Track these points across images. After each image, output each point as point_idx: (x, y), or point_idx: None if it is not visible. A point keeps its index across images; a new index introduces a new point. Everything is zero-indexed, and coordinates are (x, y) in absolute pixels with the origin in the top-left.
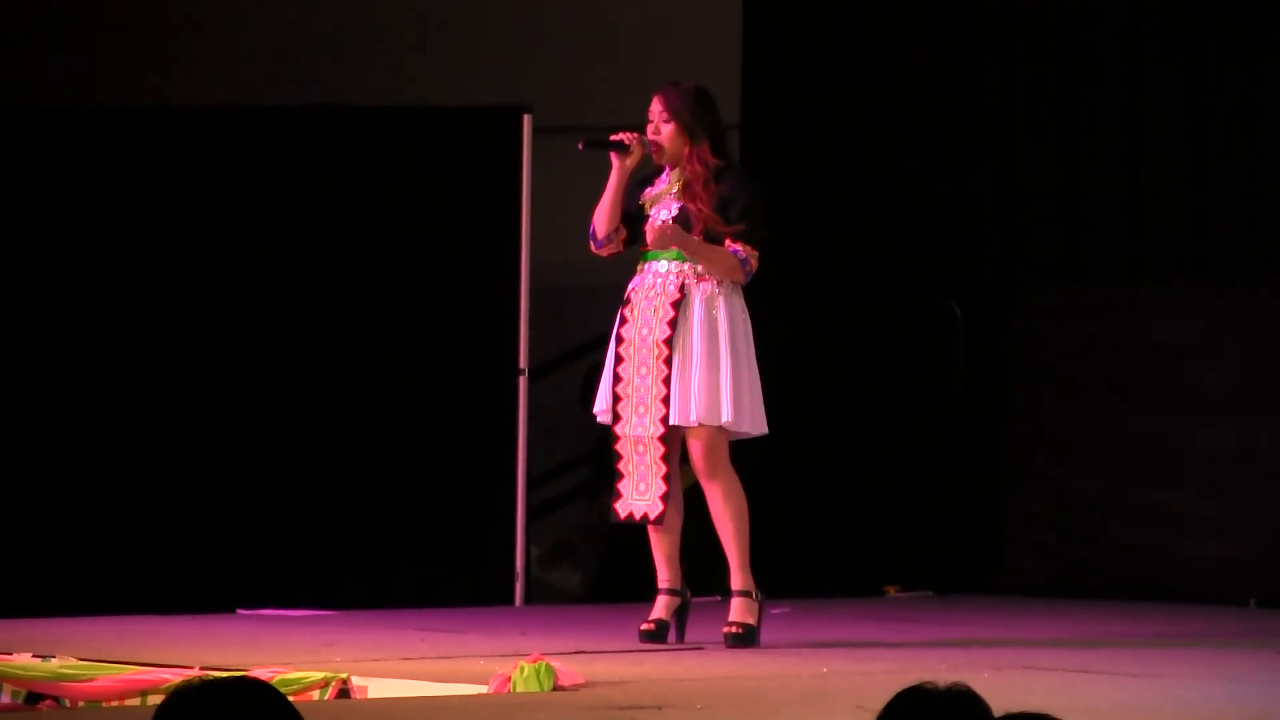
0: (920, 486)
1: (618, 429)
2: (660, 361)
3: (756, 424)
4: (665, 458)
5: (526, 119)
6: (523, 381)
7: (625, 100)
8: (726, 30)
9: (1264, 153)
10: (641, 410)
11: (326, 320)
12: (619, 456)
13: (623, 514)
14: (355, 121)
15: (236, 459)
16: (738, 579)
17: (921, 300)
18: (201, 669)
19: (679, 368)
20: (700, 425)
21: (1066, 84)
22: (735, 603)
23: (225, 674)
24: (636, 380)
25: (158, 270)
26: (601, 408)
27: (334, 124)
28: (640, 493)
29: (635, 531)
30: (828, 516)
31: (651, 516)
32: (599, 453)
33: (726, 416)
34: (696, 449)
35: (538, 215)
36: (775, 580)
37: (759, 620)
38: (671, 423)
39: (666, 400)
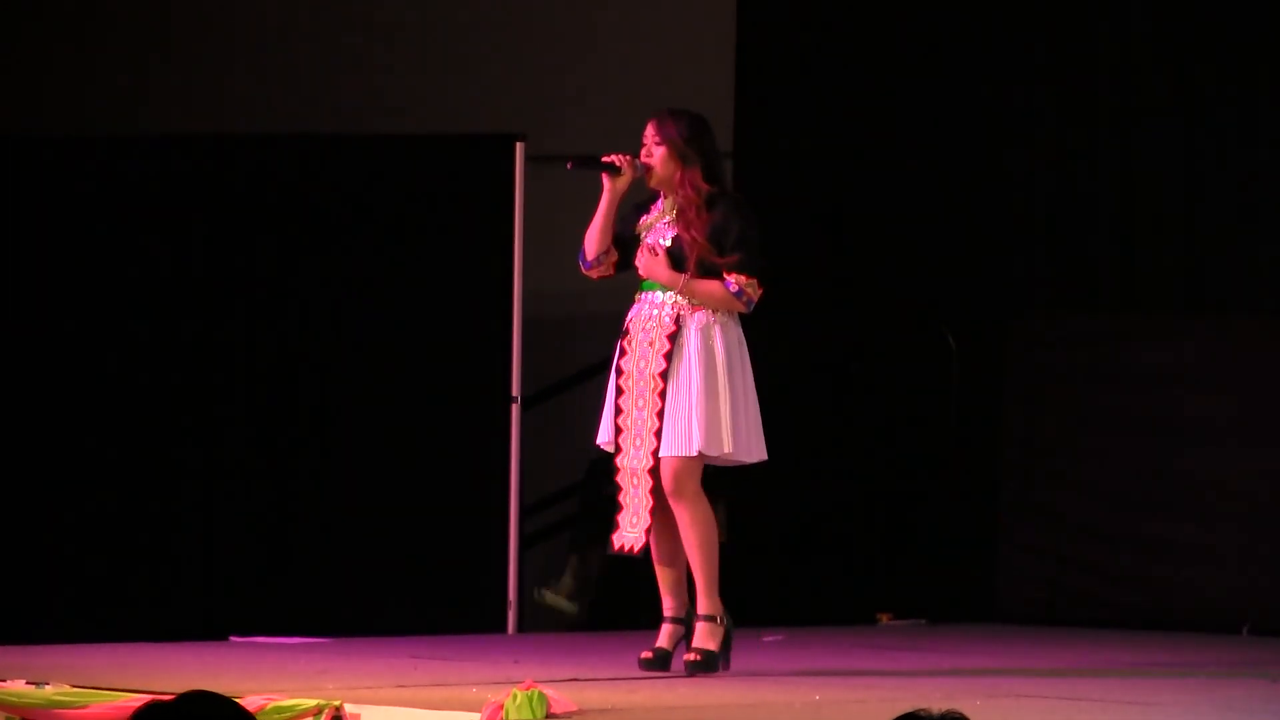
0: (914, 514)
1: (618, 460)
2: (655, 394)
3: (754, 451)
4: (654, 490)
5: (519, 147)
6: (515, 409)
7: (618, 128)
8: (720, 59)
9: (1257, 182)
10: (638, 443)
11: (319, 347)
12: (619, 488)
13: (616, 545)
14: (349, 149)
15: (229, 486)
16: (703, 603)
17: (916, 329)
18: None
19: (672, 400)
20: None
21: (1062, 115)
22: (699, 628)
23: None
24: (635, 412)
25: (149, 298)
26: (605, 439)
27: (328, 151)
28: (632, 525)
29: (629, 559)
30: (821, 544)
31: (635, 549)
32: (589, 481)
33: (727, 447)
34: (665, 472)
35: (530, 243)
36: (769, 608)
37: (722, 645)
38: (663, 454)
39: (658, 433)
